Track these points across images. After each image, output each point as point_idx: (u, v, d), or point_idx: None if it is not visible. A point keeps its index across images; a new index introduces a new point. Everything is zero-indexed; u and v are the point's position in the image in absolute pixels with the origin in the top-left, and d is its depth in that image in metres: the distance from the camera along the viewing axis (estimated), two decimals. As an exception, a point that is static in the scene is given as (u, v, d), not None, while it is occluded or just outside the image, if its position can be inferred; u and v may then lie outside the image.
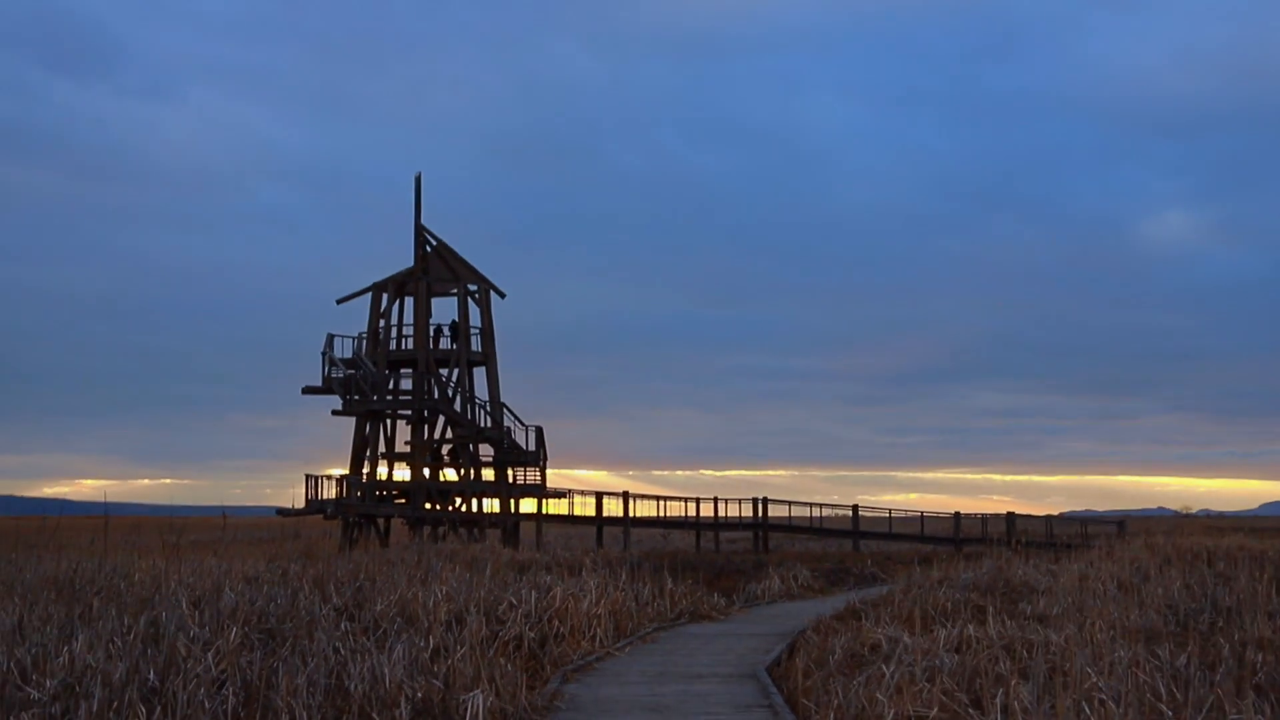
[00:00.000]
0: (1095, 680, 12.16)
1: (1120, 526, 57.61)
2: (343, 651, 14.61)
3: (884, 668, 13.40)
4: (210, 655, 13.39)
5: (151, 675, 12.58)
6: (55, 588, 20.82)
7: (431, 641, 15.33)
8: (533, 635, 18.20)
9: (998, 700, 11.60)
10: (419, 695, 11.79)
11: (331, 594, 20.09)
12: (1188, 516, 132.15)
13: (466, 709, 11.41)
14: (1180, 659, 14.60)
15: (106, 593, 20.16)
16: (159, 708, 11.35)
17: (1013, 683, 11.83)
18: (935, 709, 11.75)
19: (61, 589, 20.45)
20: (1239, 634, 19.50)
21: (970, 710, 11.68)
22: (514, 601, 19.61)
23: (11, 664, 12.85)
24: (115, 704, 10.90)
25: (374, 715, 11.05)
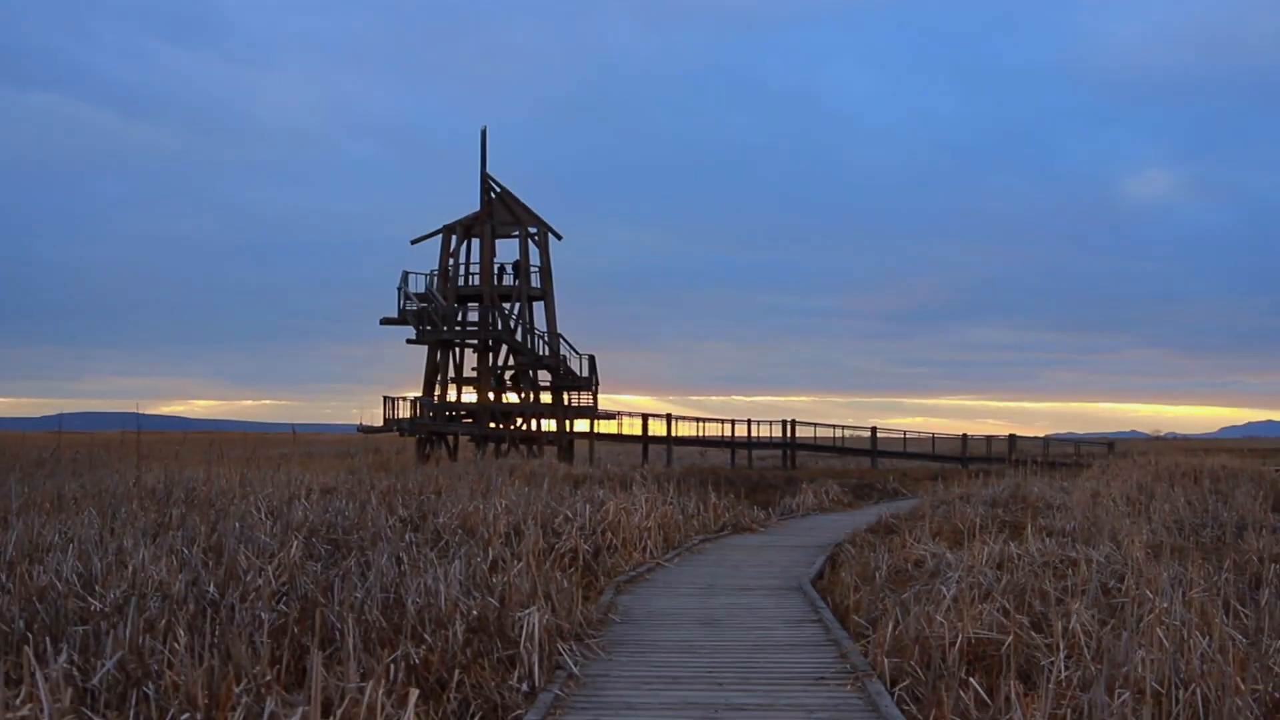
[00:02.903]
0: (1155, 601, 10.40)
1: (1110, 447, 55.52)
2: (405, 563, 13.08)
3: (939, 587, 11.61)
4: (271, 568, 11.83)
5: (211, 588, 11.03)
6: (151, 498, 19.41)
7: (490, 554, 13.74)
8: (587, 547, 16.57)
9: (1058, 624, 9.84)
10: (474, 613, 10.12)
11: (398, 506, 18.56)
12: (1159, 438, 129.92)
13: (522, 627, 9.74)
14: (1220, 576, 12.86)
15: (189, 503, 18.70)
16: (210, 620, 9.77)
17: (1075, 605, 10.01)
18: (994, 630, 9.97)
19: (151, 499, 19.02)
20: (1247, 547, 17.80)
21: (1032, 633, 9.89)
22: (569, 515, 17.98)
23: (74, 575, 11.30)
24: (165, 620, 9.27)
25: (426, 635, 9.37)
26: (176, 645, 8.03)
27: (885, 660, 9.66)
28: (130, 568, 11.48)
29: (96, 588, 10.91)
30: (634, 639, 11.31)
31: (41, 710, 6.65)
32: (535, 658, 9.41)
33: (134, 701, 7.51)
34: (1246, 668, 7.90)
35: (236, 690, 7.17)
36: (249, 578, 11.18)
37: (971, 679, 8.60)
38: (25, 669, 7.13)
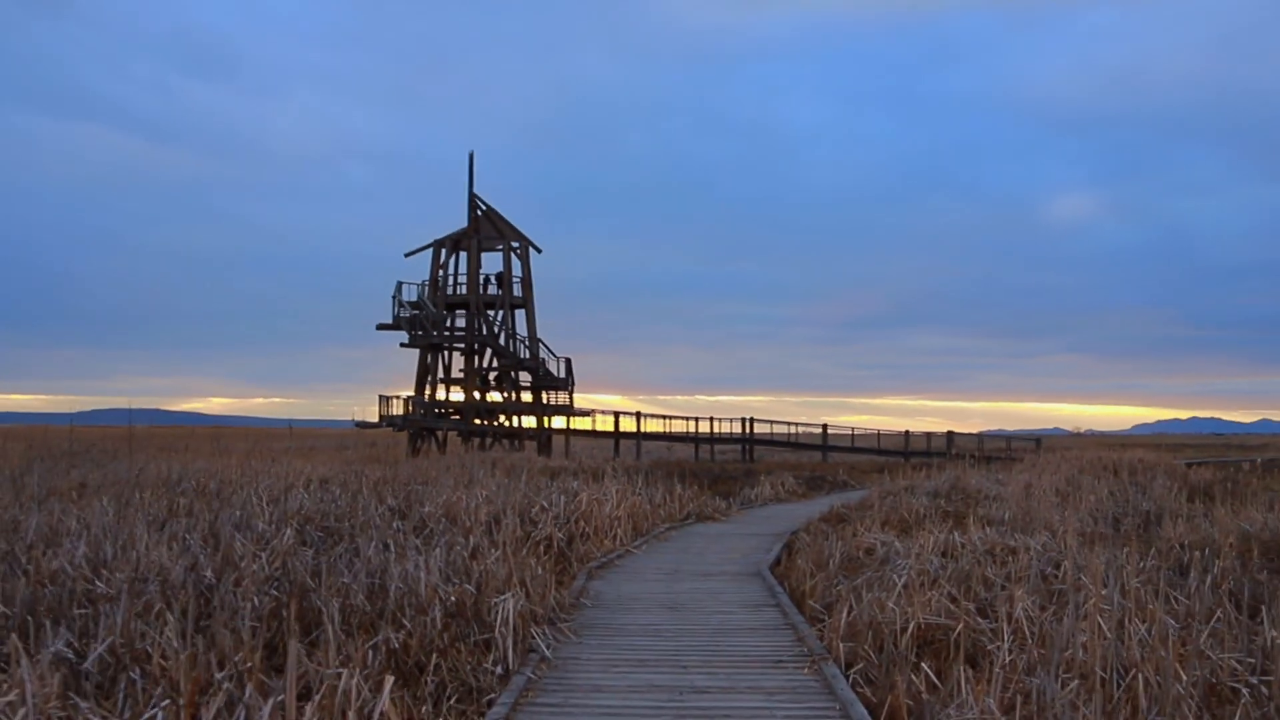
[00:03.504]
0: (1094, 589, 10.04)
1: (1038, 443, 55.50)
2: (392, 549, 12.60)
3: (890, 575, 11.21)
4: (266, 554, 11.32)
5: (209, 573, 10.50)
6: (162, 487, 18.80)
7: (471, 541, 13.26)
8: (561, 535, 16.09)
9: (1002, 610, 9.46)
10: (452, 599, 9.64)
11: (387, 496, 18.03)
12: (1078, 435, 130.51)
13: (497, 612, 9.27)
14: (1147, 563, 12.53)
15: (196, 492, 18.12)
16: (204, 605, 9.26)
17: (1018, 592, 9.62)
18: (943, 616, 9.58)
19: (161, 489, 18.40)
20: (1167, 534, 17.53)
21: (978, 619, 9.50)
22: (545, 505, 17.49)
23: (84, 560, 10.75)
24: (155, 607, 8.75)
25: (405, 621, 8.87)
26: (168, 631, 7.52)
27: (840, 644, 9.24)
28: (135, 554, 10.95)
29: (104, 572, 10.39)
30: (604, 622, 10.85)
31: (24, 699, 6.14)
32: (510, 641, 8.94)
33: (123, 685, 7.00)
34: (1189, 655, 7.53)
35: (218, 676, 6.67)
36: (244, 564, 10.65)
37: (923, 663, 8.21)
38: (13, 656, 6.64)
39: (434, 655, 8.34)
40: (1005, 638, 8.57)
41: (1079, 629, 8.37)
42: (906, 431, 54.02)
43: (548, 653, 9.21)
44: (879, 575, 12.02)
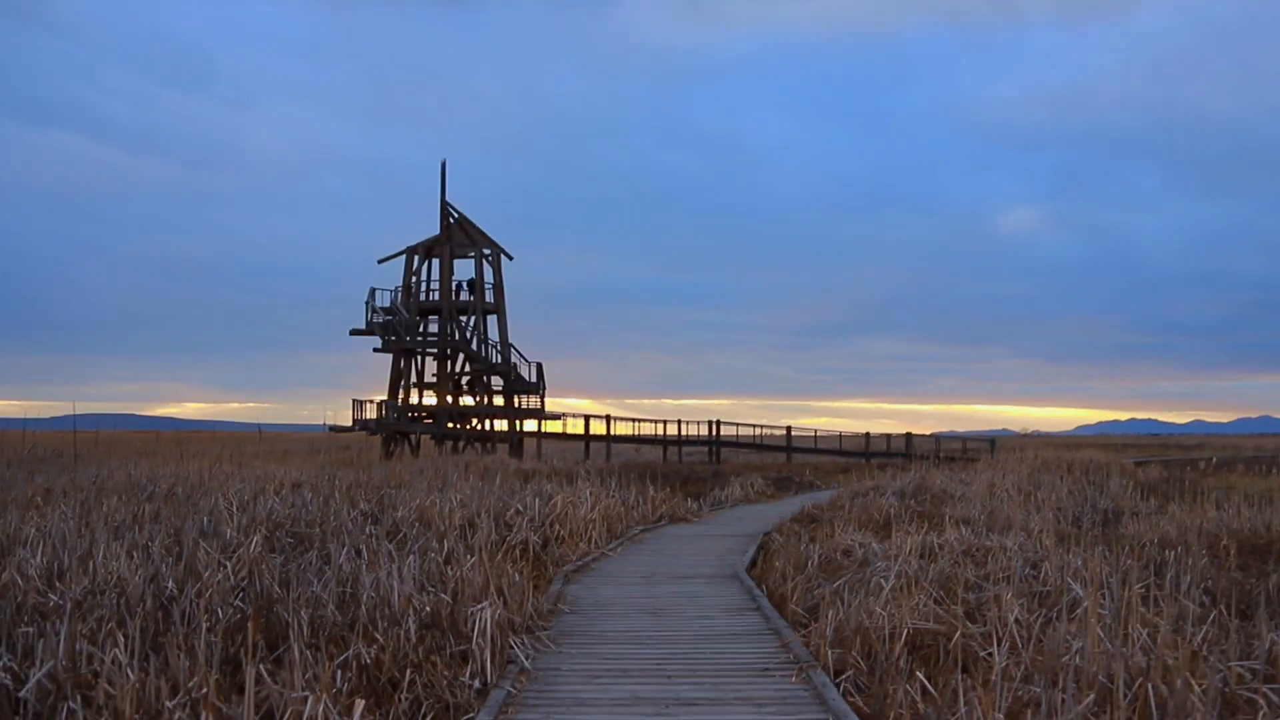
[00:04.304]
0: (1085, 591, 9.51)
1: (992, 444, 55.33)
2: (365, 555, 11.87)
3: (876, 579, 10.61)
4: (231, 563, 10.54)
5: (170, 584, 9.71)
6: (128, 492, 17.84)
7: (445, 546, 12.54)
8: (536, 539, 15.39)
9: (994, 614, 8.89)
10: (427, 609, 8.93)
11: (360, 500, 17.22)
12: (1025, 435, 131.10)
13: (474, 622, 8.58)
14: (1123, 562, 12.02)
15: (164, 496, 17.19)
16: (162, 620, 8.49)
17: (1006, 595, 9.03)
18: (932, 621, 8.98)
19: (127, 494, 17.45)
20: (1126, 532, 17.13)
21: (967, 623, 8.91)
22: (520, 508, 16.77)
23: (36, 572, 9.90)
24: (109, 622, 7.95)
25: (377, 634, 8.13)
26: (118, 652, 6.72)
27: (829, 651, 8.63)
28: (92, 564, 10.12)
29: (57, 584, 9.56)
30: (583, 630, 10.18)
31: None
32: (487, 654, 8.25)
33: (63, 715, 6.22)
34: (1196, 662, 6.97)
35: (169, 705, 5.92)
36: (207, 575, 9.86)
37: (918, 672, 7.61)
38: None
39: (408, 670, 7.63)
40: (1002, 644, 7.97)
41: (1074, 634, 7.82)
42: (867, 433, 53.77)
43: (527, 664, 8.53)
44: (860, 577, 11.44)
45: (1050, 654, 7.39)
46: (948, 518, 15.74)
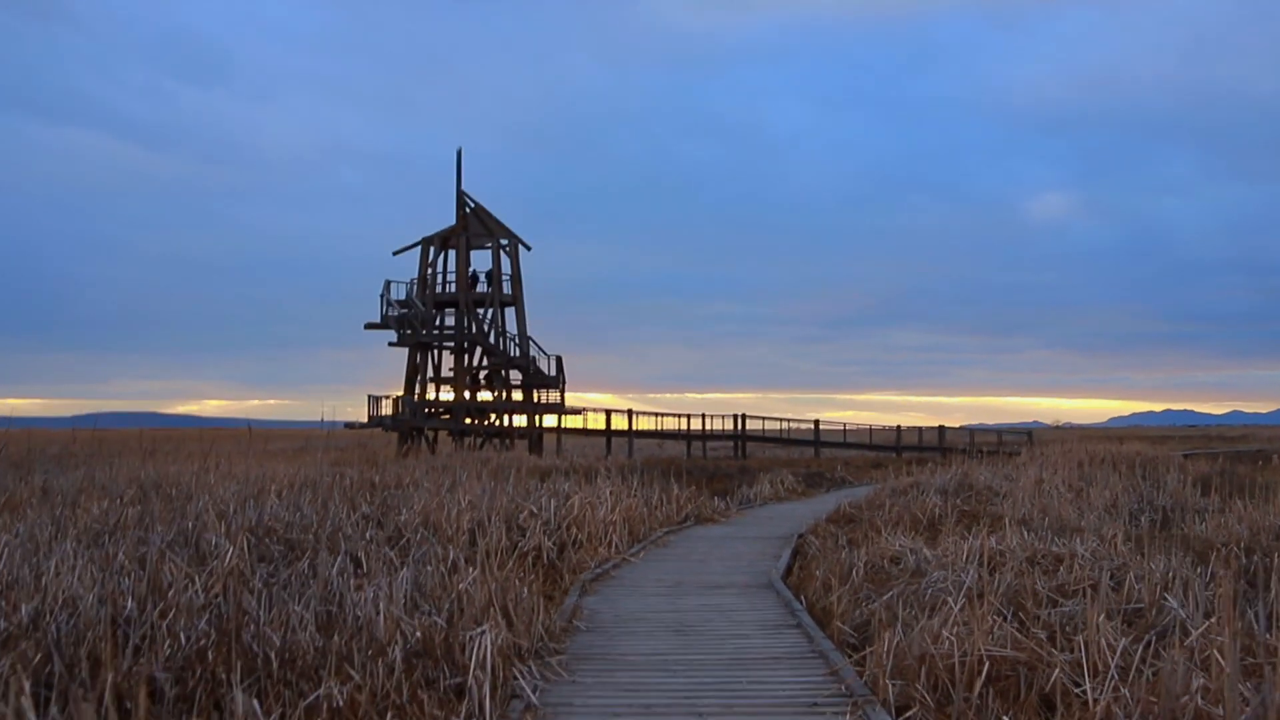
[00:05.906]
0: (1179, 611, 8.20)
1: (1029, 436, 53.75)
2: (364, 564, 10.72)
3: (942, 596, 9.31)
4: (202, 577, 9.37)
5: (130, 604, 8.54)
6: (107, 495, 16.73)
7: (451, 554, 11.35)
8: (551, 544, 14.17)
9: (1077, 639, 7.58)
10: (417, 635, 7.70)
11: (361, 502, 16.05)
12: (1058, 427, 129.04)
13: (472, 650, 7.35)
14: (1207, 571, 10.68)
15: (158, 498, 16.08)
16: (111, 645, 7.30)
17: (1098, 619, 7.70)
18: (1010, 647, 7.67)
19: (112, 497, 16.36)
20: (1190, 533, 15.76)
21: (1051, 649, 7.59)
22: (534, 510, 15.56)
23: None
24: (53, 643, 6.78)
25: (353, 671, 6.87)
26: (24, 702, 5.50)
27: (888, 683, 7.35)
28: (45, 579, 8.97)
29: (1, 604, 8.42)
30: (601, 652, 8.94)
31: None
32: (486, 688, 7.03)
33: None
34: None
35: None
36: (171, 593, 8.69)
37: (1001, 713, 6.33)
38: None
39: (389, 714, 6.42)
40: (1095, 676, 6.68)
41: (1190, 667, 6.52)
42: (899, 427, 52.33)
43: (534, 698, 7.30)
44: (914, 589, 10.16)
45: (1167, 693, 6.10)
46: (1007, 520, 14.37)
